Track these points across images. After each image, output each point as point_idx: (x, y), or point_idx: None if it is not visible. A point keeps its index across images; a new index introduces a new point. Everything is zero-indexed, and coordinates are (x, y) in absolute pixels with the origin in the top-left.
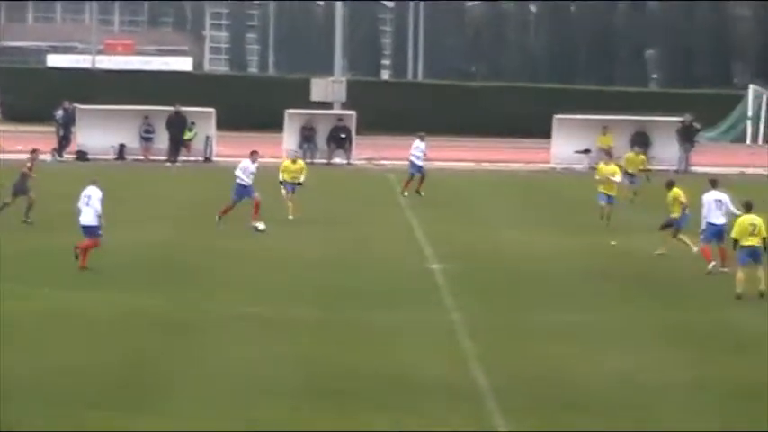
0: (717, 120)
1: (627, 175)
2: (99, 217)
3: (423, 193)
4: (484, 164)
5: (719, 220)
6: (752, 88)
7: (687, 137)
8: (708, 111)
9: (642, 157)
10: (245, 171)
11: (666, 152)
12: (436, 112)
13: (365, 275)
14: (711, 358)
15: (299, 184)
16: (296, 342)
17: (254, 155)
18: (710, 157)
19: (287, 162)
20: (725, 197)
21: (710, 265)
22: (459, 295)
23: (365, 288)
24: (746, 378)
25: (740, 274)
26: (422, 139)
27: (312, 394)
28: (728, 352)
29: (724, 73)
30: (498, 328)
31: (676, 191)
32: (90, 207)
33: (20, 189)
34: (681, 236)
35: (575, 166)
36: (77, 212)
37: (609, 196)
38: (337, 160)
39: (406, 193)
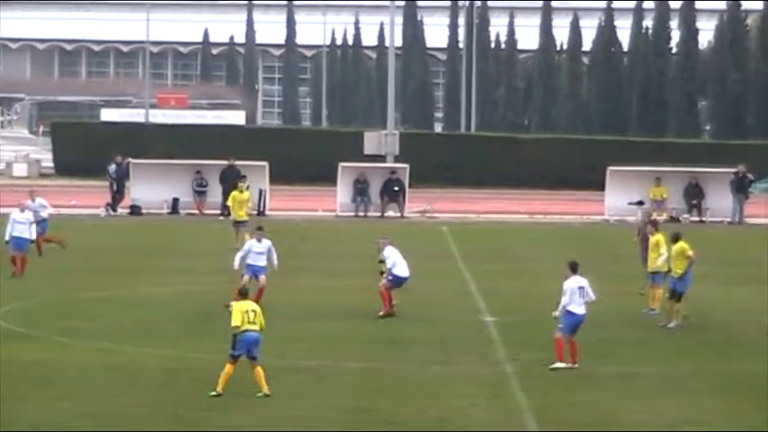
0: None
1: None
2: None
3: None
4: (537, 216)
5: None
6: None
7: (741, 188)
8: (760, 161)
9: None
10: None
11: (720, 203)
12: (488, 164)
13: (419, 327)
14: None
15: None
16: (348, 393)
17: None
18: (765, 208)
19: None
20: (585, 282)
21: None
22: (512, 347)
23: (418, 339)
24: None
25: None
26: None
27: None
28: None
29: None
30: (551, 380)
31: (682, 244)
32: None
33: None
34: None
35: (628, 217)
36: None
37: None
38: (390, 213)
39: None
